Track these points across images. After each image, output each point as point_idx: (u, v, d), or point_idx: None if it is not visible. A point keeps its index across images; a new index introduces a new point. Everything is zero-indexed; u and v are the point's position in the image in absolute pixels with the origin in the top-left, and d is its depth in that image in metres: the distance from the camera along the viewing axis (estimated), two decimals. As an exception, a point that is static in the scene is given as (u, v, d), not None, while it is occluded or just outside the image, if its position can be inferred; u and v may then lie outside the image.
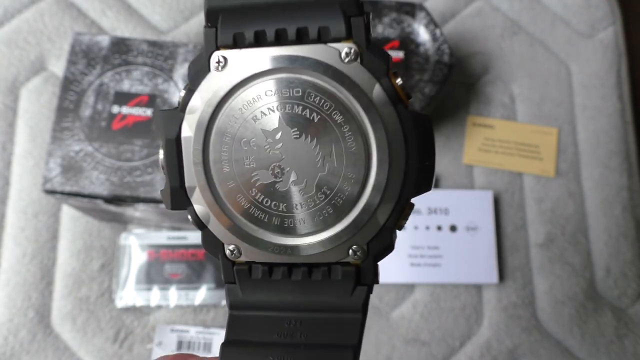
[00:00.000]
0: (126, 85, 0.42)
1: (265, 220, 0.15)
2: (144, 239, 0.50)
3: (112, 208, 0.42)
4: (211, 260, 0.16)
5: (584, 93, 0.57)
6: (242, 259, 0.15)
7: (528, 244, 0.53)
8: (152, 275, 0.49)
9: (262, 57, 0.14)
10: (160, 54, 0.43)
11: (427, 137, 0.14)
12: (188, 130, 0.14)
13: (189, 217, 0.15)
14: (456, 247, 0.50)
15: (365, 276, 0.15)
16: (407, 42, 0.48)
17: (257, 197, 0.15)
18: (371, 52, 0.14)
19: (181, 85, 0.42)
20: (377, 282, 0.15)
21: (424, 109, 0.47)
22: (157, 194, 0.40)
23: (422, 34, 0.48)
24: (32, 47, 0.55)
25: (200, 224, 0.15)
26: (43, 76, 0.54)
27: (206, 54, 0.14)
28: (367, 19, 0.14)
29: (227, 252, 0.15)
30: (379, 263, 0.16)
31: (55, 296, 0.49)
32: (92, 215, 0.48)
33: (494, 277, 0.50)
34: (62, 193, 0.40)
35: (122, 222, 0.50)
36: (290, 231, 0.15)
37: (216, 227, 0.15)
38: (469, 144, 0.55)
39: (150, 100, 0.41)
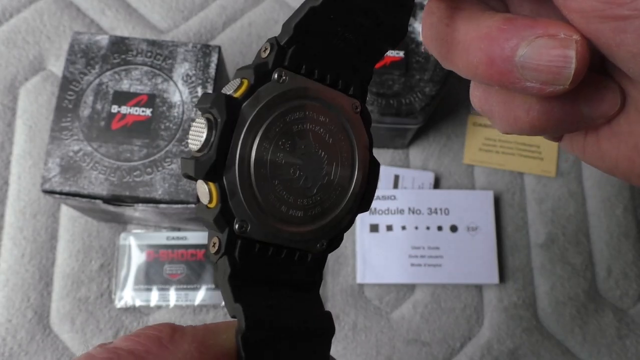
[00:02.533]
0: (125, 85, 0.41)
1: (276, 205, 0.18)
2: (143, 239, 0.49)
3: (111, 208, 0.42)
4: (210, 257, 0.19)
5: (585, 93, 0.57)
6: (246, 235, 0.18)
7: (529, 244, 0.52)
8: (152, 275, 0.49)
9: (312, 87, 0.19)
10: (159, 54, 0.42)
11: (376, 176, 0.20)
12: (246, 118, 0.18)
13: (213, 187, 0.18)
14: (457, 248, 0.50)
15: (321, 262, 0.20)
16: (408, 42, 0.48)
17: (277, 187, 0.18)
18: (365, 111, 0.20)
19: (180, 84, 0.42)
20: (322, 270, 0.21)
21: (424, 108, 0.47)
22: (157, 194, 0.39)
23: (423, 34, 0.48)
24: (31, 47, 0.55)
25: (224, 197, 0.18)
26: (42, 76, 0.54)
27: (272, 66, 0.18)
28: (367, 91, 0.21)
29: (236, 226, 0.18)
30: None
31: (54, 296, 0.49)
32: (91, 215, 0.48)
33: (494, 277, 0.50)
34: (61, 193, 0.39)
35: (121, 222, 0.50)
36: (289, 219, 0.18)
37: (237, 204, 0.18)
38: (470, 144, 0.55)
39: (150, 99, 0.41)
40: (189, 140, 0.18)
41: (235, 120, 0.17)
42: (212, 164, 0.17)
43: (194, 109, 0.41)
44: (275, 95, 0.18)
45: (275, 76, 0.18)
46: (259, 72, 0.18)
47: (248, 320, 0.17)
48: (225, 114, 0.17)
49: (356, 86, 0.20)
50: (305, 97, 0.19)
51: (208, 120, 0.17)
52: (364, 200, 0.20)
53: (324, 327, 0.19)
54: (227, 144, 0.17)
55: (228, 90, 0.18)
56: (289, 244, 0.19)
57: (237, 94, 0.18)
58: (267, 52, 0.18)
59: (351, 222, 0.20)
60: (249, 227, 0.18)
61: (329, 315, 0.20)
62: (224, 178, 0.17)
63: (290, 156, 0.18)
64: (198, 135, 0.17)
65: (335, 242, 0.20)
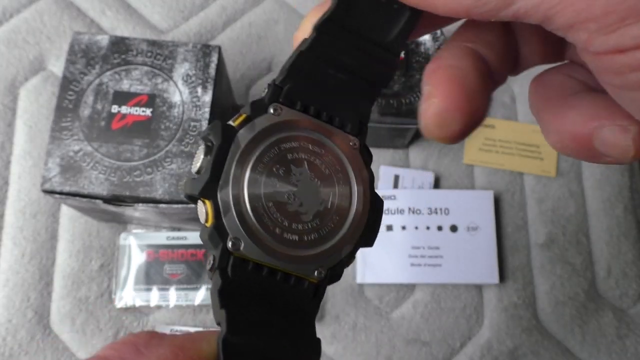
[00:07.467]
0: (125, 85, 0.41)
1: (270, 227, 0.19)
2: (144, 239, 0.49)
3: (111, 208, 0.42)
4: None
5: (585, 93, 0.57)
6: (239, 252, 0.19)
7: (529, 244, 0.53)
8: (152, 275, 0.49)
9: (306, 120, 0.20)
10: (159, 54, 0.42)
11: (379, 210, 0.21)
12: (240, 143, 0.19)
13: (208, 205, 0.19)
14: (457, 247, 0.50)
15: (320, 292, 0.20)
16: (408, 42, 0.48)
17: (270, 209, 0.19)
18: (365, 150, 0.21)
19: (180, 84, 0.42)
20: (319, 301, 0.21)
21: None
22: (157, 194, 0.40)
23: (423, 34, 0.48)
24: (31, 47, 0.55)
25: (217, 214, 0.19)
26: (42, 76, 0.54)
27: (268, 102, 0.20)
28: (366, 129, 0.21)
29: (229, 243, 0.18)
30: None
31: (54, 296, 0.49)
32: (91, 215, 0.48)
33: (494, 277, 0.50)
34: (61, 193, 0.39)
35: (122, 222, 0.50)
36: (285, 242, 0.19)
37: (231, 221, 0.18)
38: (470, 144, 0.55)
39: (150, 99, 0.41)
40: (191, 165, 0.19)
41: (229, 144, 0.19)
42: (206, 182, 0.18)
43: (193, 108, 0.41)
44: (270, 124, 0.19)
45: (271, 110, 0.20)
46: (256, 105, 0.20)
47: (230, 324, 0.18)
48: (220, 137, 0.19)
49: (353, 124, 0.21)
50: (300, 129, 0.20)
51: (206, 145, 0.19)
52: (365, 235, 0.21)
53: (309, 352, 0.19)
54: (222, 165, 0.19)
55: (228, 121, 0.19)
56: (284, 267, 0.19)
57: (235, 123, 0.19)
58: (265, 91, 0.20)
59: (352, 254, 0.20)
60: (242, 245, 0.18)
61: (317, 341, 0.20)
62: (218, 196, 0.18)
63: (284, 181, 0.19)
64: (197, 158, 0.19)
65: (335, 273, 0.20)
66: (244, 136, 0.19)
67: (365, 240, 0.21)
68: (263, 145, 0.19)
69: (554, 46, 0.21)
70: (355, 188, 0.20)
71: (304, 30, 0.21)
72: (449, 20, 0.20)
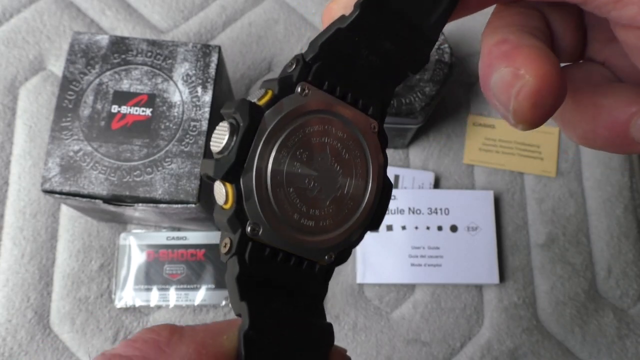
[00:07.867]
0: (125, 85, 0.41)
1: (290, 213, 0.19)
2: (143, 239, 0.49)
3: (111, 208, 0.42)
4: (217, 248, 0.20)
5: (585, 93, 0.57)
6: (257, 238, 0.19)
7: (529, 244, 0.52)
8: (152, 275, 0.49)
9: (332, 103, 0.20)
10: (159, 54, 0.42)
11: (387, 195, 0.21)
12: (267, 125, 0.18)
13: (230, 188, 0.18)
14: (457, 247, 0.50)
15: (329, 274, 0.21)
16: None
17: (291, 195, 0.19)
18: (382, 133, 0.21)
19: (180, 84, 0.42)
20: (328, 283, 0.21)
21: (424, 108, 0.47)
22: (157, 194, 0.39)
23: (423, 33, 0.48)
24: (31, 47, 0.55)
25: (239, 199, 0.18)
26: (42, 76, 0.54)
27: (296, 79, 0.19)
28: (386, 113, 0.21)
29: (249, 229, 0.18)
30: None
31: (54, 296, 0.49)
32: (91, 215, 0.48)
33: (494, 277, 0.50)
34: (61, 193, 0.39)
35: (122, 222, 0.50)
36: (301, 228, 0.19)
37: (252, 206, 0.18)
38: (470, 144, 0.55)
39: (150, 99, 0.41)
40: (211, 143, 0.18)
41: (256, 126, 0.18)
42: (231, 165, 0.18)
43: (193, 108, 0.41)
44: (297, 106, 0.19)
45: (299, 89, 0.19)
46: (284, 83, 0.19)
47: (252, 318, 0.17)
48: (247, 118, 0.18)
49: (376, 107, 0.21)
50: (326, 112, 0.19)
51: (231, 124, 0.18)
52: (374, 219, 0.21)
53: (324, 338, 0.20)
54: (247, 148, 0.18)
55: (252, 98, 0.19)
56: (298, 252, 0.19)
57: (261, 102, 0.18)
58: (293, 67, 0.19)
59: (360, 238, 0.21)
60: (260, 231, 0.18)
61: (329, 327, 0.20)
62: (241, 180, 0.18)
63: (307, 166, 0.19)
64: (220, 137, 0.18)
65: (343, 255, 0.20)
66: (270, 118, 0.18)
67: (373, 224, 0.21)
68: (289, 128, 0.19)
69: (580, 42, 0.20)
70: (371, 174, 0.21)
71: (340, 3, 0.20)
72: (484, 3, 0.20)
